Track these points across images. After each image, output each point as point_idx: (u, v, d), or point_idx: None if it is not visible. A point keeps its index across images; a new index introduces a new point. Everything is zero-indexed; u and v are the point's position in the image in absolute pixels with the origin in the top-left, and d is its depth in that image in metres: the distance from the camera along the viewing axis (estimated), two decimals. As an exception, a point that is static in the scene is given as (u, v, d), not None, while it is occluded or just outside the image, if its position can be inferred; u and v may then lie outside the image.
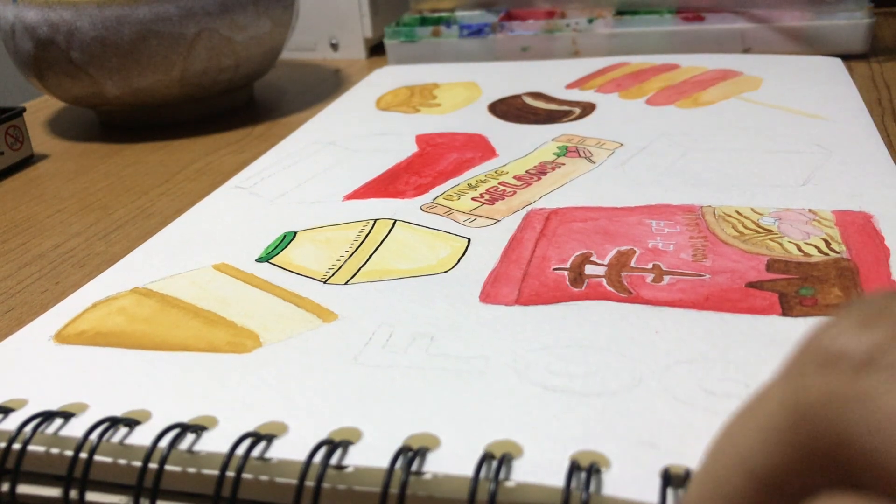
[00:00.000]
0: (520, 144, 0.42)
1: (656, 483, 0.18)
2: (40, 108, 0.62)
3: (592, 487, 0.18)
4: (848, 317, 0.12)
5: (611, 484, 0.18)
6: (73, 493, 0.21)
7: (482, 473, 0.19)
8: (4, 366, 0.25)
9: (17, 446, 0.21)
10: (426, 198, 0.36)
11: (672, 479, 0.18)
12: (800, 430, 0.12)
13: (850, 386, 0.11)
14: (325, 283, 0.29)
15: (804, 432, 0.12)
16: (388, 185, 0.38)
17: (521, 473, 0.19)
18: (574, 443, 0.20)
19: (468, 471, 0.19)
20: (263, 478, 0.20)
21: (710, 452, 0.13)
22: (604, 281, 0.28)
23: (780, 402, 0.12)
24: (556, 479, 0.18)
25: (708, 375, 0.22)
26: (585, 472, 0.18)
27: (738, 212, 0.32)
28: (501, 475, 0.19)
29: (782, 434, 0.12)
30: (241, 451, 0.20)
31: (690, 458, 0.19)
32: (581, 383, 0.22)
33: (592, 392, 0.22)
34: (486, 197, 0.36)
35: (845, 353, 0.12)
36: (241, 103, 0.58)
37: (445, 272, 0.29)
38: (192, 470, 0.20)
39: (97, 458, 0.21)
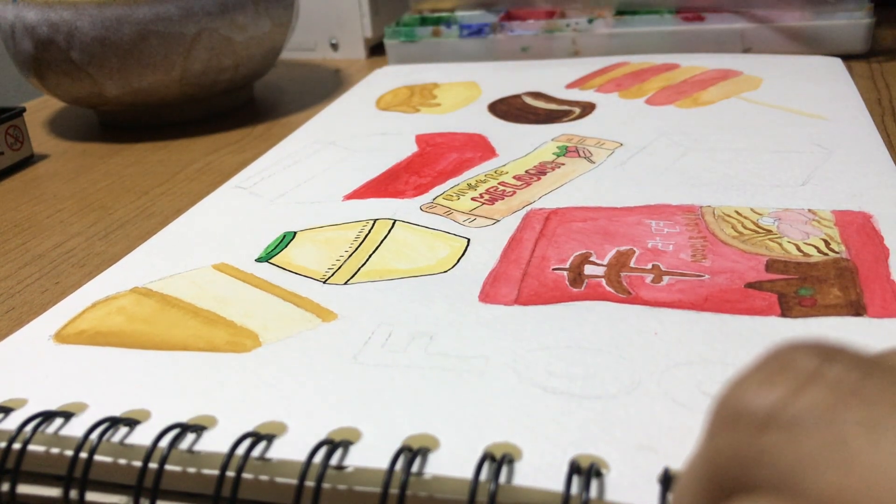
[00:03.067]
0: (520, 144, 0.42)
1: (655, 487, 0.18)
2: (40, 108, 0.62)
3: (592, 491, 0.18)
4: (753, 374, 0.12)
5: (610, 488, 0.18)
6: (73, 493, 0.21)
7: (482, 475, 0.19)
8: (4, 366, 0.25)
9: (17, 446, 0.21)
10: (426, 198, 0.36)
11: (671, 484, 0.18)
12: (714, 491, 0.12)
13: (751, 445, 0.12)
14: (324, 282, 0.29)
15: (719, 491, 0.12)
16: (387, 185, 0.38)
17: (521, 476, 0.19)
18: (573, 446, 0.20)
19: (468, 472, 0.19)
20: (263, 478, 0.20)
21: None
22: (603, 281, 0.28)
23: (700, 462, 0.13)
24: (556, 482, 0.18)
25: (707, 378, 0.22)
26: (585, 475, 0.19)
27: (737, 212, 0.32)
28: (501, 477, 0.19)
29: (706, 493, 0.13)
30: (240, 450, 0.20)
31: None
32: (580, 385, 0.22)
33: (592, 395, 0.22)
34: (486, 197, 0.36)
35: (748, 412, 0.12)
36: (241, 103, 0.58)
37: (445, 272, 0.29)
38: (192, 470, 0.20)
39: (97, 457, 0.21)
